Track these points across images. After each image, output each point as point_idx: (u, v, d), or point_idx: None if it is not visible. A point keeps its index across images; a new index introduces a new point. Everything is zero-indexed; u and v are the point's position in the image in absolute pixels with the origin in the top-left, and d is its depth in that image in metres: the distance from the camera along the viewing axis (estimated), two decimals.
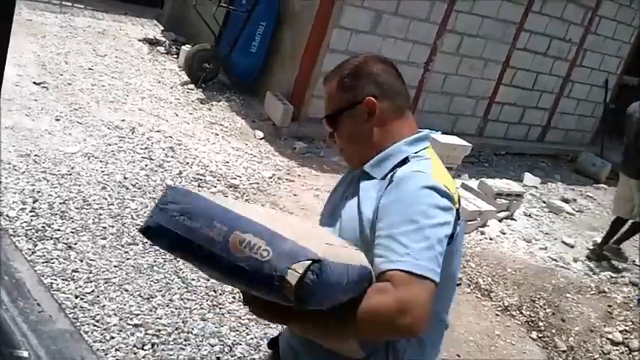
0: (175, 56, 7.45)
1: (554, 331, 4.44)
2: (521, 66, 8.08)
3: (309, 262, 1.31)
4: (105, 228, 3.87)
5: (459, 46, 7.37)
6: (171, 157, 4.99)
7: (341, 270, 1.38)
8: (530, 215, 6.37)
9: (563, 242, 6.00)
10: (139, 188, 4.40)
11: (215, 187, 4.79)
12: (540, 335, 4.37)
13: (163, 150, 5.05)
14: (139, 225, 3.99)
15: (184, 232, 1.39)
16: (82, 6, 8.08)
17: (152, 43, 7.67)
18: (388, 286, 1.43)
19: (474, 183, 6.33)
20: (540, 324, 4.47)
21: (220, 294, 3.64)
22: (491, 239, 5.55)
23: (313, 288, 1.31)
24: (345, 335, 1.51)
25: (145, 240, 3.79)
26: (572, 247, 5.98)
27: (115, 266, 3.57)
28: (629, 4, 8.72)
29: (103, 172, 4.44)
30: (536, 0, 7.71)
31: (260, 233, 1.35)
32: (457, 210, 1.63)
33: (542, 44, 8.14)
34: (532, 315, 4.55)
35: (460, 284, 4.64)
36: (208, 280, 3.71)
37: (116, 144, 4.89)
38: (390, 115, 1.75)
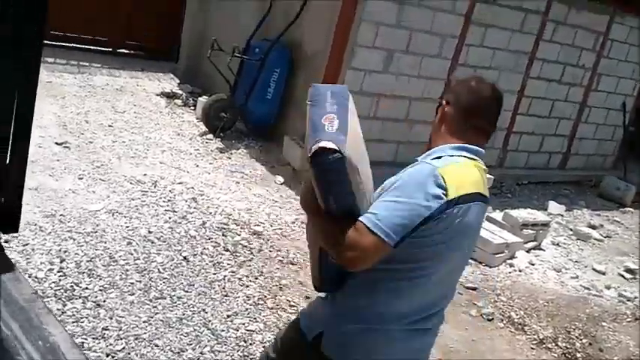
0: (193, 108, 7.55)
1: None
2: (536, 94, 8.07)
3: (337, 149, 1.83)
4: (132, 283, 3.88)
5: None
6: (194, 207, 5.02)
7: (352, 180, 1.90)
8: (558, 244, 6.29)
9: (593, 269, 5.90)
10: (164, 241, 4.42)
11: (239, 234, 4.80)
12: None
13: (186, 201, 5.08)
14: (165, 278, 4.00)
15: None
16: (99, 65, 8.25)
17: (169, 96, 7.79)
18: (355, 228, 1.88)
19: (498, 215, 6.27)
20: (578, 355, 4.38)
21: (250, 344, 3.62)
22: (520, 271, 5.48)
23: (324, 162, 1.85)
24: (331, 240, 1.94)
25: (173, 293, 3.81)
26: (604, 274, 5.87)
27: (144, 321, 3.56)
28: (639, 27, 8.73)
29: (127, 227, 4.47)
30: (546, 29, 7.75)
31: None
32: (449, 202, 1.92)
33: (555, 72, 8.14)
34: (568, 347, 4.46)
35: (492, 319, 4.57)
36: (237, 330, 3.69)
37: (139, 198, 4.94)
38: (456, 123, 2.12)
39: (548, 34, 7.80)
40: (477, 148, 2.10)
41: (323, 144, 1.84)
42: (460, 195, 1.96)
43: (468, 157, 2.06)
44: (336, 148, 1.83)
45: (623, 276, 5.94)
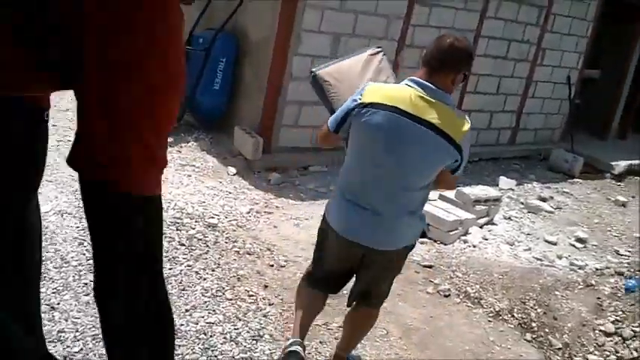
0: None
1: (547, 330, 4.45)
2: (483, 72, 8.18)
3: (314, 72, 3.28)
4: (86, 284, 3.81)
5: (419, 59, 7.44)
6: None
7: (328, 91, 3.24)
8: (510, 218, 6.41)
9: (545, 241, 6.04)
10: None
11: (193, 228, 4.76)
12: (534, 336, 4.38)
13: None
14: None
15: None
16: None
17: None
18: (326, 122, 3.07)
19: (451, 193, 6.35)
20: (533, 325, 4.48)
21: (211, 336, 3.60)
22: (474, 247, 5.57)
23: (312, 81, 3.30)
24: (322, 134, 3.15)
25: None
26: (555, 244, 6.02)
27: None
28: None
29: (78, 227, 4.39)
30: (490, 5, 7.85)
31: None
32: (359, 104, 2.88)
33: (501, 48, 8.26)
34: (524, 317, 4.56)
35: (449, 295, 4.64)
36: (197, 323, 3.67)
37: None
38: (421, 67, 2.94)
39: (492, 11, 7.91)
40: (423, 82, 2.86)
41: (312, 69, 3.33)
42: (370, 102, 2.86)
43: (409, 86, 2.88)
44: (313, 70, 3.30)
45: (574, 245, 6.09)
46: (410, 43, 7.27)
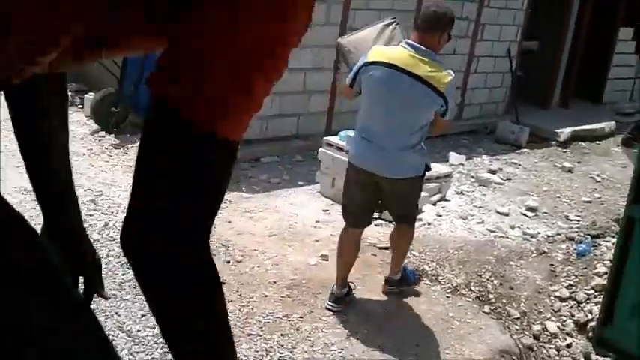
0: (80, 106, 7.28)
1: (504, 300, 4.54)
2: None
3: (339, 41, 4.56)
4: None
5: None
6: (94, 210, 4.86)
7: (347, 56, 4.31)
8: (461, 193, 6.49)
9: (497, 212, 6.14)
10: None
11: None
12: (492, 308, 4.46)
13: (84, 204, 4.90)
14: None
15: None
16: None
17: None
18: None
19: None
20: (490, 297, 4.56)
21: None
22: (429, 224, 5.63)
23: (338, 48, 4.61)
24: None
25: None
26: (507, 215, 6.12)
27: None
28: None
29: None
30: None
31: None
32: (365, 63, 3.79)
33: (460, 30, 8.32)
34: (481, 290, 4.63)
35: None
36: (154, 327, 3.62)
37: (34, 208, 4.68)
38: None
39: None
40: (414, 43, 3.71)
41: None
42: (371, 60, 3.75)
43: (404, 47, 3.74)
44: (338, 41, 4.55)
45: (525, 215, 6.21)
46: (351, 26, 7.27)
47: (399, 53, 3.73)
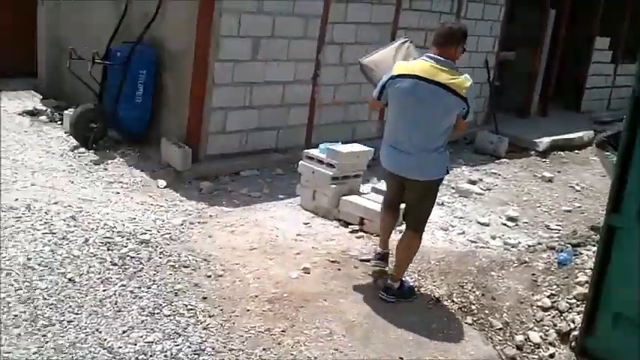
0: (60, 123, 7.22)
1: (487, 311, 4.54)
2: None
3: (360, 61, 4.91)
4: (16, 315, 3.68)
5: (340, 56, 7.49)
6: (74, 226, 4.81)
7: (370, 75, 4.81)
8: (442, 204, 6.51)
9: (478, 223, 6.17)
10: (46, 266, 4.21)
11: (125, 246, 4.65)
12: (475, 319, 4.46)
13: (64, 221, 4.85)
14: (52, 304, 3.81)
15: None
16: None
17: (33, 114, 7.42)
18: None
19: (383, 184, 6.40)
20: (473, 308, 4.57)
21: (151, 355, 3.53)
22: None
23: (360, 67, 4.93)
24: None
25: (62, 318, 3.64)
26: (488, 225, 6.15)
27: (34, 353, 3.41)
28: None
29: (3, 257, 4.23)
30: None
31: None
32: (391, 77, 4.30)
33: (419, 39, 8.35)
34: (463, 301, 4.64)
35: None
36: (135, 344, 3.59)
37: (13, 225, 4.67)
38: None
39: (407, 3, 8.02)
40: (434, 55, 4.23)
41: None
42: (397, 74, 4.28)
43: (425, 60, 4.26)
44: (359, 61, 4.88)
45: (506, 225, 6.24)
46: (330, 40, 7.30)
47: (421, 65, 4.25)
